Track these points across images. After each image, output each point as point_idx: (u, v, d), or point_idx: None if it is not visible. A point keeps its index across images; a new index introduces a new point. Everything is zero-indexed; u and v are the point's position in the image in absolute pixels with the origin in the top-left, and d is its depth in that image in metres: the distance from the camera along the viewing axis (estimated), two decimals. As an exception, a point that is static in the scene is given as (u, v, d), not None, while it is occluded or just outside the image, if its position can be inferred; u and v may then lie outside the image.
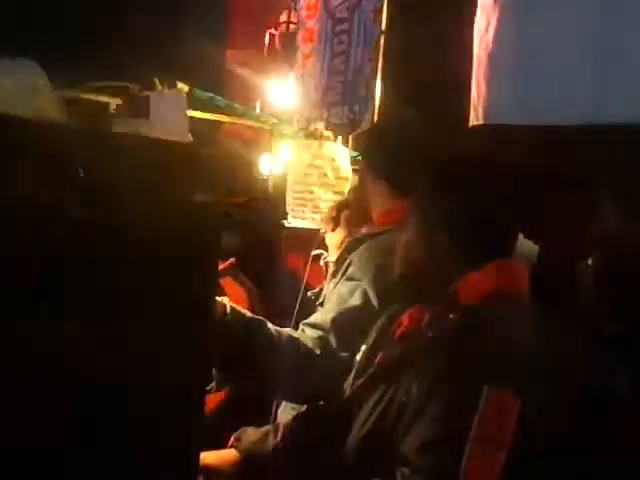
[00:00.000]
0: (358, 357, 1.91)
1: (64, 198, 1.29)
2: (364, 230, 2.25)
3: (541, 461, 1.52)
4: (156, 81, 1.80)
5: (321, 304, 2.24)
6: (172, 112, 1.78)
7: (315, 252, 2.41)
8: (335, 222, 2.35)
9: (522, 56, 2.59)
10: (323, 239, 2.39)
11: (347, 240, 2.27)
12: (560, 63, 2.46)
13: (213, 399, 2.66)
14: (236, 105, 3.06)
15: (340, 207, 2.36)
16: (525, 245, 1.81)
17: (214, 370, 1.96)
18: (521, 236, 1.81)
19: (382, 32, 3.25)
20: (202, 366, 1.57)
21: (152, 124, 1.64)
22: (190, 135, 1.75)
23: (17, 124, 1.28)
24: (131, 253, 1.35)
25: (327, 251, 2.39)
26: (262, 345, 2.00)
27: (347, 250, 2.22)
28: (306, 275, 2.41)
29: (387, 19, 3.30)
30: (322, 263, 2.39)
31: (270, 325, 2.05)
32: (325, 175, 2.47)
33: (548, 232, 2.16)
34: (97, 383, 1.32)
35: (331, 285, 2.21)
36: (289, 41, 4.15)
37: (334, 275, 2.22)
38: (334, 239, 2.34)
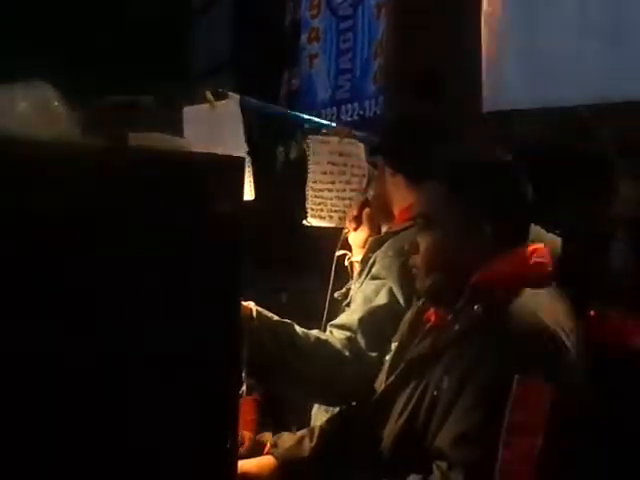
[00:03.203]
0: (388, 356, 1.91)
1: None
2: (386, 228, 2.25)
3: (575, 445, 1.52)
4: (208, 93, 1.73)
5: (348, 304, 2.23)
6: (226, 124, 1.69)
7: (339, 252, 2.41)
8: (357, 221, 2.34)
9: (532, 38, 2.57)
10: (346, 239, 2.39)
11: (370, 239, 2.26)
12: (571, 42, 2.44)
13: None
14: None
15: (362, 206, 2.35)
16: (548, 238, 1.80)
17: (244, 375, 1.96)
18: (543, 230, 1.80)
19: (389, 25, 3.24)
20: (234, 369, 1.58)
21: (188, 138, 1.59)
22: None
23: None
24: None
25: (351, 251, 2.39)
26: (290, 348, 2.00)
27: (371, 249, 2.20)
28: (332, 276, 2.41)
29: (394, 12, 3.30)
30: (347, 263, 2.38)
31: (298, 328, 2.05)
32: (344, 173, 2.47)
33: (570, 218, 2.14)
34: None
35: (357, 285, 2.21)
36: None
37: (360, 275, 2.22)
38: (357, 238, 2.34)
